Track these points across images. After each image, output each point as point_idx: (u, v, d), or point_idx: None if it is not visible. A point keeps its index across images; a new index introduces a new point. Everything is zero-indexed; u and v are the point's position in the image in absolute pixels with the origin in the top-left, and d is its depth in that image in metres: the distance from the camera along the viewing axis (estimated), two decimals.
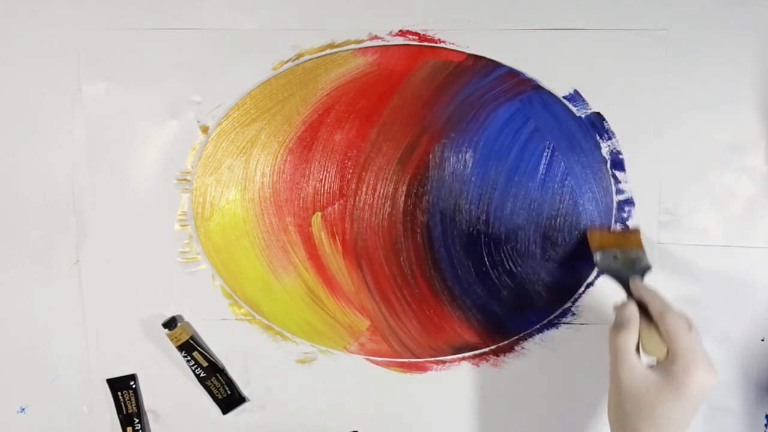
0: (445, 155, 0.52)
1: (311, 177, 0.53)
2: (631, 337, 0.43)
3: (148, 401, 0.57)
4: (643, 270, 0.49)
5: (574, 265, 0.53)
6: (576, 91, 0.52)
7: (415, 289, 0.54)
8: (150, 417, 0.57)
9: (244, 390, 0.56)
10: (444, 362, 0.55)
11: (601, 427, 0.56)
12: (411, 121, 0.52)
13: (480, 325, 0.54)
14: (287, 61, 0.52)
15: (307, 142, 0.53)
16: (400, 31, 0.51)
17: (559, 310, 0.54)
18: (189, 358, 0.55)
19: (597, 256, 0.50)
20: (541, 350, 0.55)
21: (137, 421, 0.56)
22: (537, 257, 0.53)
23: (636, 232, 0.52)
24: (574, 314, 0.54)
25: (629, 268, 0.49)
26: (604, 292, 0.54)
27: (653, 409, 0.40)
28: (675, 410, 0.40)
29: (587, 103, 0.52)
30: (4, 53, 0.52)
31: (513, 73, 0.51)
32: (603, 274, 0.51)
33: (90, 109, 0.53)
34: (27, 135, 0.53)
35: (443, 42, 0.51)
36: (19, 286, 0.55)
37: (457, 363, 0.55)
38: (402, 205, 0.53)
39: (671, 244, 0.53)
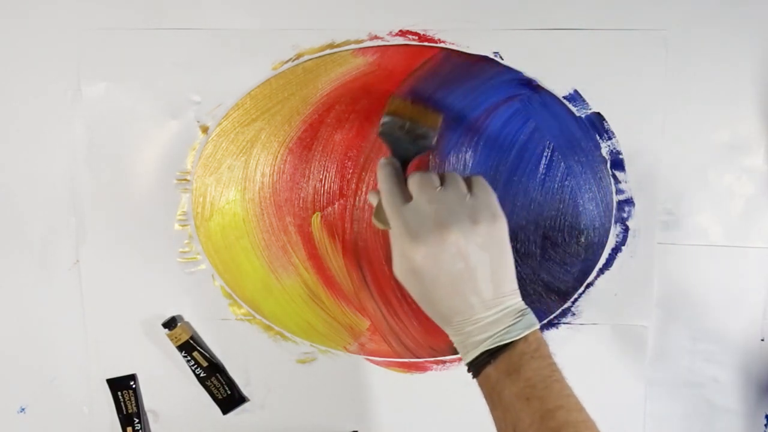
0: (445, 155, 0.52)
1: (311, 177, 0.53)
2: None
3: (148, 401, 0.57)
4: (424, 148, 0.47)
5: (574, 265, 0.53)
6: (576, 91, 0.52)
7: None
8: (150, 417, 0.57)
9: (244, 390, 0.56)
10: (444, 362, 0.55)
11: (601, 427, 0.56)
12: None
13: None
14: (287, 61, 0.52)
15: (307, 142, 0.53)
16: (400, 31, 0.51)
17: (559, 310, 0.54)
18: (189, 358, 0.55)
19: (384, 119, 0.47)
20: None
21: (137, 421, 0.56)
22: (537, 257, 0.53)
23: (437, 113, 0.48)
24: (574, 314, 0.54)
25: (410, 141, 0.47)
26: (604, 292, 0.54)
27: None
28: (408, 284, 0.42)
29: (587, 103, 0.52)
30: (4, 53, 0.52)
31: (513, 73, 0.51)
32: (381, 137, 0.47)
33: (90, 109, 0.53)
34: (27, 135, 0.53)
35: (443, 42, 0.51)
36: (19, 286, 0.55)
37: (457, 363, 0.55)
38: None
39: (671, 244, 0.53)
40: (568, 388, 0.40)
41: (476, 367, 0.41)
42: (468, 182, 0.43)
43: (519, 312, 0.41)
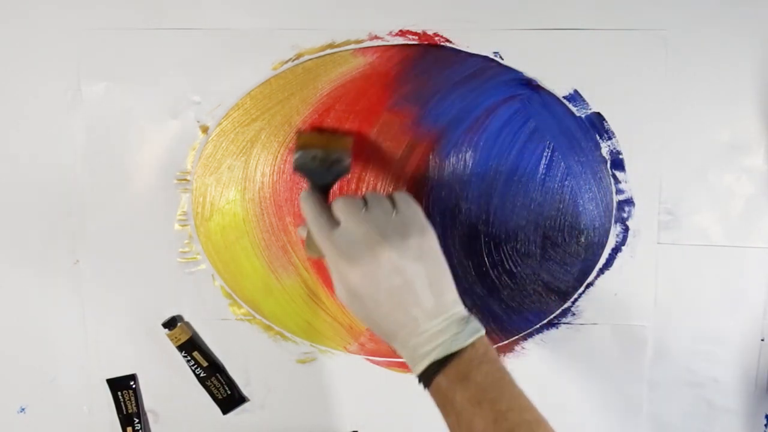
0: (445, 155, 0.52)
1: None
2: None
3: (148, 401, 0.57)
4: (340, 173, 0.48)
5: (574, 265, 0.53)
6: (576, 91, 0.52)
7: None
8: (150, 417, 0.57)
9: (244, 390, 0.56)
10: None
11: (601, 427, 0.56)
12: (411, 120, 0.52)
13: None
14: (287, 61, 0.52)
15: None
16: (400, 31, 0.51)
17: (559, 310, 0.54)
18: (189, 358, 0.55)
19: (296, 155, 0.48)
20: (541, 350, 0.55)
21: (137, 421, 0.56)
22: (537, 257, 0.53)
23: (346, 136, 0.50)
24: (574, 314, 0.54)
25: (325, 169, 0.47)
26: (604, 292, 0.54)
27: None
28: (351, 307, 0.43)
29: (587, 103, 0.52)
30: (4, 53, 0.52)
31: (513, 73, 0.51)
32: (297, 171, 0.48)
33: (90, 109, 0.53)
34: (27, 135, 0.53)
35: (443, 42, 0.51)
36: (19, 286, 0.55)
37: None
38: None
39: (671, 244, 0.53)
40: (519, 388, 0.41)
41: (426, 377, 0.41)
42: (392, 200, 0.44)
43: (463, 319, 0.42)
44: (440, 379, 0.40)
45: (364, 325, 0.43)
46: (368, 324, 0.43)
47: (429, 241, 0.43)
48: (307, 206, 0.44)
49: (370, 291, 0.41)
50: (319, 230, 0.43)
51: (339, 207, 0.43)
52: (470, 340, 0.41)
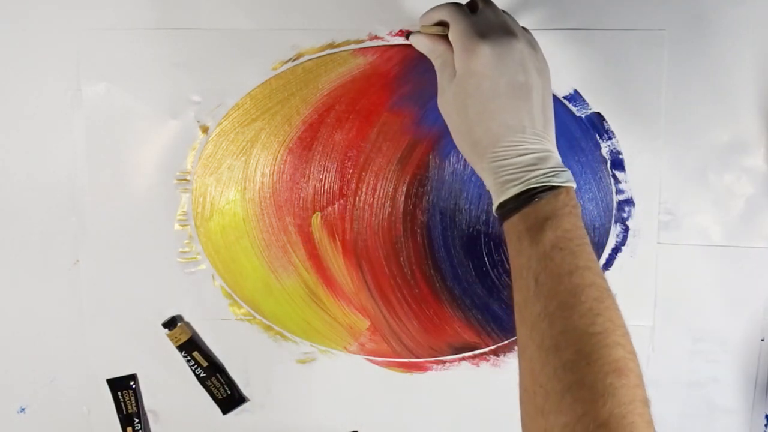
0: (445, 155, 0.52)
1: (311, 177, 0.53)
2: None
3: (148, 401, 0.57)
4: None
5: None
6: (576, 91, 0.52)
7: (415, 289, 0.54)
8: (150, 417, 0.57)
9: (244, 390, 0.56)
10: (444, 362, 0.55)
11: None
12: (411, 120, 0.52)
13: (480, 325, 0.54)
14: (287, 61, 0.52)
15: (307, 142, 0.53)
16: (400, 31, 0.51)
17: None
18: (189, 358, 0.55)
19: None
20: None
21: (137, 421, 0.56)
22: None
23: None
24: None
25: None
26: None
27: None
28: (458, 98, 0.41)
29: (587, 103, 0.52)
30: (4, 53, 0.52)
31: None
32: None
33: (90, 109, 0.53)
34: (27, 135, 0.53)
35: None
36: (19, 286, 0.55)
37: (457, 363, 0.55)
38: (402, 205, 0.53)
39: (671, 244, 0.53)
40: (594, 255, 0.38)
41: (516, 204, 0.38)
42: None
43: (559, 163, 0.40)
44: (529, 211, 0.38)
45: (455, 131, 0.42)
46: (462, 128, 0.41)
47: (549, 72, 0.42)
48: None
49: (494, 74, 0.39)
50: (459, 10, 0.41)
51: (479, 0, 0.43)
52: (569, 184, 0.39)
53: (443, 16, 0.42)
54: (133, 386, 0.56)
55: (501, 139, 0.40)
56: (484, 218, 0.53)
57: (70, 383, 0.57)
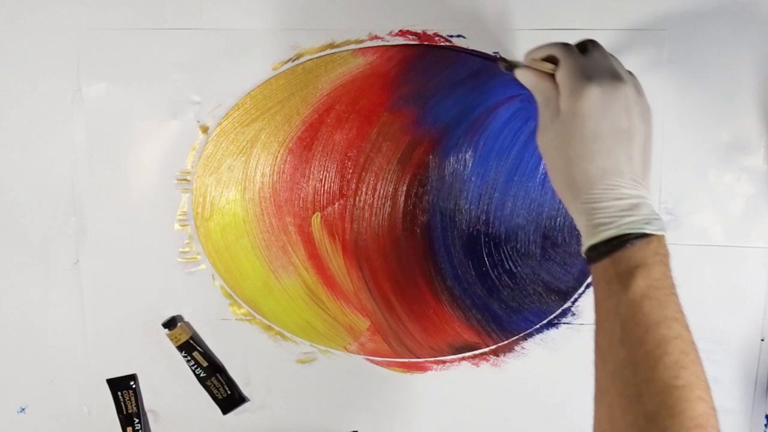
0: (445, 155, 0.52)
1: (311, 177, 0.53)
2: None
3: (148, 401, 0.57)
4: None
5: (574, 265, 0.53)
6: None
7: (415, 288, 0.54)
8: (150, 417, 0.57)
9: (244, 390, 0.56)
10: (444, 362, 0.55)
11: None
12: (411, 120, 0.52)
13: (480, 325, 0.54)
14: (287, 61, 0.52)
15: (307, 142, 0.53)
16: (400, 31, 0.51)
17: (559, 310, 0.54)
18: (189, 358, 0.55)
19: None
20: (541, 350, 0.55)
21: (137, 421, 0.56)
22: (537, 257, 0.53)
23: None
24: (574, 314, 0.54)
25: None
26: None
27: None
28: (559, 136, 0.41)
29: None
30: (3, 53, 0.52)
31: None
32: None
33: (90, 109, 0.53)
34: (27, 135, 0.53)
35: (443, 42, 0.51)
36: (18, 286, 0.55)
37: (457, 363, 0.55)
38: (402, 205, 0.53)
39: (671, 244, 0.53)
40: (681, 306, 0.38)
41: (608, 249, 0.38)
42: None
43: (654, 211, 0.40)
44: (620, 255, 0.38)
45: (552, 170, 0.42)
46: (561, 167, 0.41)
47: (651, 119, 0.41)
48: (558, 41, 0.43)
49: (599, 116, 0.39)
50: (569, 50, 0.42)
51: (588, 42, 0.43)
52: (662, 232, 0.39)
53: (554, 53, 0.42)
54: (133, 386, 0.56)
55: (598, 181, 0.40)
56: (484, 218, 0.53)
57: (70, 383, 0.57)
